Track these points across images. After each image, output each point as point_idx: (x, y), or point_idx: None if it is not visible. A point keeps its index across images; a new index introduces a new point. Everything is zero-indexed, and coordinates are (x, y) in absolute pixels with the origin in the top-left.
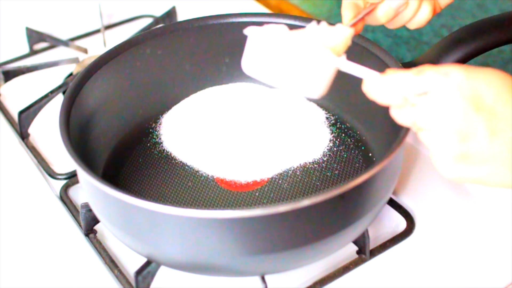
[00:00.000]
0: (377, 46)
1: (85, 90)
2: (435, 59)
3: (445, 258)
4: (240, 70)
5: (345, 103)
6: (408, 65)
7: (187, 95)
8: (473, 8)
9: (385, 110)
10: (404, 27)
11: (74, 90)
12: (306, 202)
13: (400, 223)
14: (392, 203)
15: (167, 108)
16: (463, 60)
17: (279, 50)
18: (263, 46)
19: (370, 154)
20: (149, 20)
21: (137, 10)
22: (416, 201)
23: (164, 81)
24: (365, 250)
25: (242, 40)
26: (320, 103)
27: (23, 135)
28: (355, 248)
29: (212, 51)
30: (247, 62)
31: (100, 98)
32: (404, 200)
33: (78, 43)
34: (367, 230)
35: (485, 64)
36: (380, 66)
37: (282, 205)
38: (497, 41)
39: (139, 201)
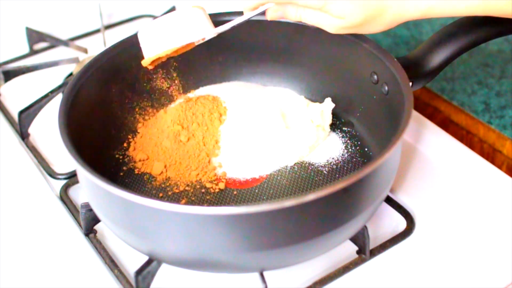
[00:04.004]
0: (376, 45)
1: (81, 91)
2: (428, 53)
3: (445, 258)
4: (233, 68)
5: (342, 100)
6: (402, 60)
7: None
8: None
9: (382, 108)
10: (403, 27)
11: (71, 90)
12: (311, 196)
13: (400, 223)
14: (392, 203)
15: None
16: (456, 54)
17: None
18: None
19: (366, 149)
20: (149, 20)
21: (137, 10)
22: (416, 201)
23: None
24: (365, 250)
25: (235, 39)
26: (317, 100)
27: (23, 135)
28: (355, 248)
29: (205, 50)
30: None
31: (95, 99)
32: (404, 200)
33: (78, 43)
34: (367, 230)
35: (485, 64)
36: (379, 65)
37: (288, 200)
38: (488, 35)
39: (143, 199)
